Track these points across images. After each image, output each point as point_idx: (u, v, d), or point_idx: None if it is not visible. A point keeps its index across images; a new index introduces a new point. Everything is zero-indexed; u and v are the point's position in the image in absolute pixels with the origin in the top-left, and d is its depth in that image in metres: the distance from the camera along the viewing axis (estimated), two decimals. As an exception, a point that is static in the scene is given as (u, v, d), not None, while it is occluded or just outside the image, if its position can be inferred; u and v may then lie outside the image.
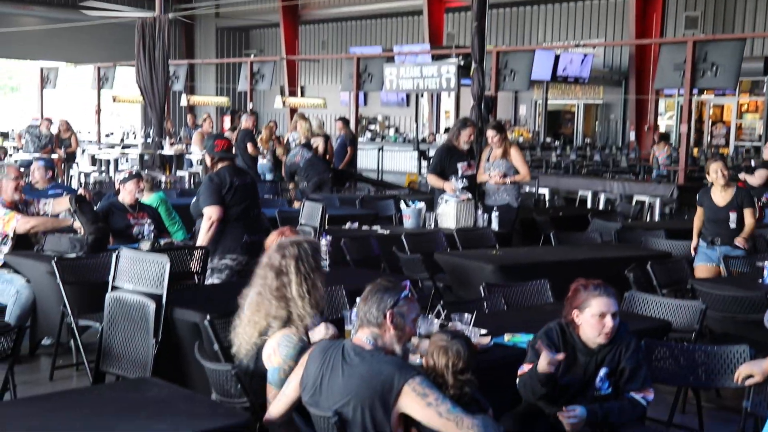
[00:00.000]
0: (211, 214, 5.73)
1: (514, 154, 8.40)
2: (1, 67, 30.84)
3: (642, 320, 4.67)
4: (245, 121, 12.88)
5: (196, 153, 14.51)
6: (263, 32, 29.32)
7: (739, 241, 6.58)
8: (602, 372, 3.46)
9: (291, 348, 3.32)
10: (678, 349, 4.01)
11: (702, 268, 6.67)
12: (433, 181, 8.31)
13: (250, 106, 17.94)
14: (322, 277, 3.44)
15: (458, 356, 3.05)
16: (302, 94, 25.37)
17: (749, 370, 3.54)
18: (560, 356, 3.33)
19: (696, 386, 4.15)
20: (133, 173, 6.73)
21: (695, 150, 18.25)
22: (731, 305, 5.21)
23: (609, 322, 3.41)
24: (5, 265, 5.90)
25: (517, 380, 3.52)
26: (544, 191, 13.44)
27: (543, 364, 3.30)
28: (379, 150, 18.12)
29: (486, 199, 8.41)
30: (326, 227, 7.54)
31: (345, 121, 14.49)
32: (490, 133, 8.44)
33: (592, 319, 3.42)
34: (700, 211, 6.87)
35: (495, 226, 7.94)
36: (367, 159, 18.16)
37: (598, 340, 3.43)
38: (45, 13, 25.16)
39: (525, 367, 3.52)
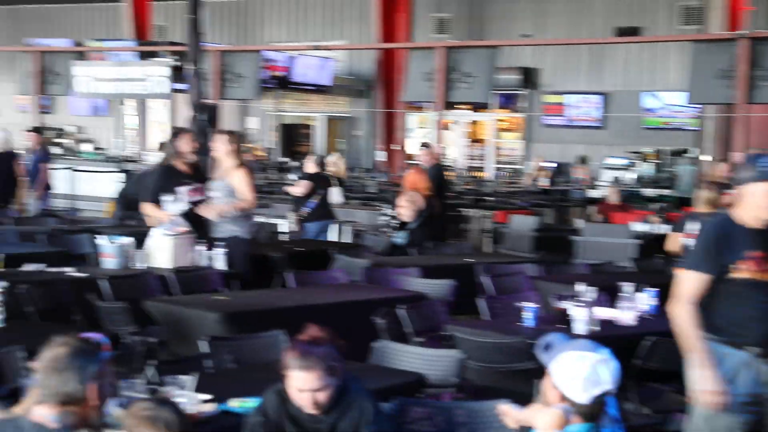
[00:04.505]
0: None
1: (238, 178, 8.23)
2: None
3: (391, 375, 4.87)
4: None
5: None
6: None
7: None
8: None
9: None
10: (433, 407, 4.23)
11: None
12: (151, 212, 8.16)
13: None
14: None
15: (168, 427, 3.01)
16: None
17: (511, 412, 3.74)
18: None
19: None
20: None
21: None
22: (491, 354, 5.58)
23: (313, 397, 3.54)
24: None
25: None
26: (280, 222, 13.61)
27: None
28: (71, 170, 17.44)
29: (210, 229, 8.34)
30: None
31: (40, 132, 13.91)
32: (216, 141, 8.35)
33: (297, 392, 3.56)
34: None
35: (221, 264, 7.93)
36: (55, 181, 17.41)
37: (308, 411, 3.57)
38: None
39: None
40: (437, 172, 12.34)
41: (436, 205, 11.41)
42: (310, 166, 12.01)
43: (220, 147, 8.28)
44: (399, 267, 8.46)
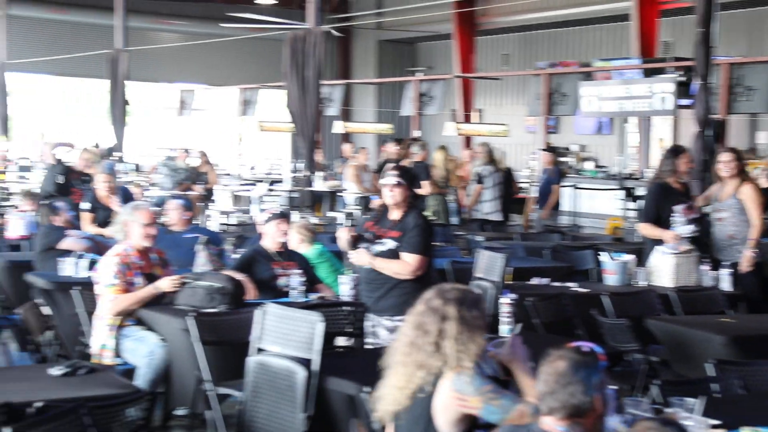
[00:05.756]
0: (419, 265, 5.92)
1: (747, 194, 8.00)
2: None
3: None
4: (419, 154, 13.02)
5: (351, 190, 14.93)
6: (432, 45, 29.86)
7: None
8: None
9: (474, 378, 3.50)
10: None
11: None
12: (649, 231, 8.13)
13: (418, 134, 18.26)
14: (483, 329, 3.63)
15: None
16: (479, 119, 25.56)
17: None
18: None
19: None
20: (276, 213, 7.04)
21: None
22: None
23: None
24: (138, 321, 6.21)
25: None
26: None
27: None
28: (573, 188, 17.93)
29: (716, 252, 8.10)
30: (508, 282, 7.55)
31: (553, 152, 14.51)
32: (724, 158, 8.17)
33: None
34: None
35: (726, 286, 7.66)
36: (561, 199, 18.02)
37: None
38: (186, 27, 26.75)
39: None
40: None
41: None
42: (764, 181, 11.12)
43: (726, 164, 8.08)
44: None
